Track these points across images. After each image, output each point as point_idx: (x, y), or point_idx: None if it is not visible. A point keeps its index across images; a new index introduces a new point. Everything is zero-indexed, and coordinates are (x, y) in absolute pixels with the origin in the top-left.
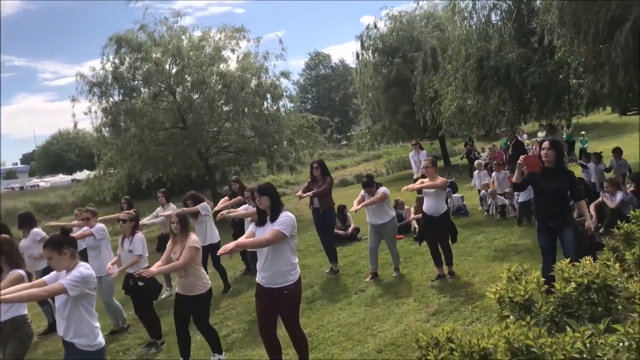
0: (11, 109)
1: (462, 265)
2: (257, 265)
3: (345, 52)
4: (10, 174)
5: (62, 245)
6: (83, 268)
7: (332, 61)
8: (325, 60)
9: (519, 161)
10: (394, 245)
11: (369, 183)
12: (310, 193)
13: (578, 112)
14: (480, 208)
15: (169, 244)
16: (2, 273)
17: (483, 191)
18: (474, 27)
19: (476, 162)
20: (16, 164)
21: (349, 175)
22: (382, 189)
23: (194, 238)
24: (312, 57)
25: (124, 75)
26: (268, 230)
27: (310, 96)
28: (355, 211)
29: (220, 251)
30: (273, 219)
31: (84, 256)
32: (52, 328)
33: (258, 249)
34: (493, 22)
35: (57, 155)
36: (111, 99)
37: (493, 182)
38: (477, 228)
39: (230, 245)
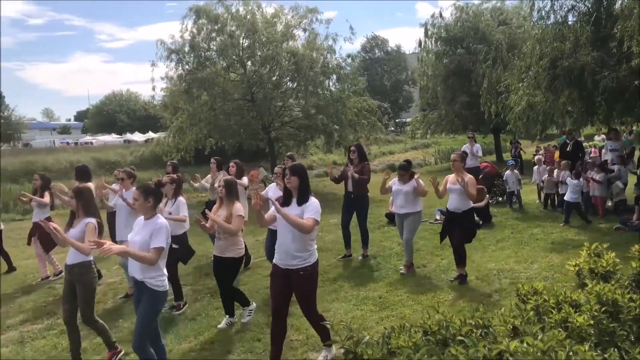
0: (67, 67)
1: (521, 253)
2: (276, 245)
3: (396, 37)
4: (65, 129)
5: (150, 194)
6: (162, 220)
7: (388, 45)
8: (381, 44)
9: None
10: (411, 239)
11: (406, 167)
12: (357, 175)
13: None
14: (537, 202)
15: (214, 208)
16: (76, 219)
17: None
18: (549, 27)
19: (536, 157)
20: (70, 120)
21: (396, 161)
22: (421, 183)
23: (238, 206)
24: (369, 39)
25: (199, 45)
26: (293, 212)
27: (361, 79)
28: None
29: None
30: (300, 201)
31: (113, 217)
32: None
33: (279, 230)
34: (570, 23)
35: (109, 115)
36: (187, 67)
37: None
38: (533, 221)
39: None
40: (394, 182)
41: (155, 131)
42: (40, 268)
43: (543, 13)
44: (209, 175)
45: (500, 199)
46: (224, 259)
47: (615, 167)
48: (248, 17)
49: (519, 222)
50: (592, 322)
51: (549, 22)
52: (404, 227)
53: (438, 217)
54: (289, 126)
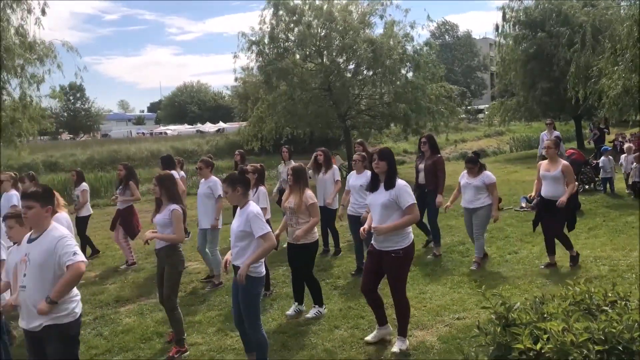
0: (140, 60)
1: (617, 241)
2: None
3: (465, 22)
4: (140, 120)
5: (237, 183)
6: (255, 207)
7: (458, 31)
8: (452, 29)
9: None
10: (481, 234)
11: (474, 160)
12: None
13: None
14: (627, 191)
15: (285, 195)
16: (161, 205)
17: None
18: None
19: (625, 145)
20: (143, 111)
21: (468, 150)
22: (492, 179)
23: (310, 194)
24: (439, 25)
25: (279, 36)
26: (382, 197)
27: (442, 66)
28: (445, 210)
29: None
30: (388, 186)
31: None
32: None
33: (373, 213)
34: None
35: (180, 106)
36: (267, 58)
37: None
38: (626, 210)
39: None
40: (462, 176)
41: (225, 121)
42: (125, 254)
43: None
44: (280, 164)
45: (587, 186)
46: (297, 245)
47: None
48: (325, 7)
49: (610, 210)
50: None
51: None
52: (474, 222)
53: (524, 205)
54: (365, 114)
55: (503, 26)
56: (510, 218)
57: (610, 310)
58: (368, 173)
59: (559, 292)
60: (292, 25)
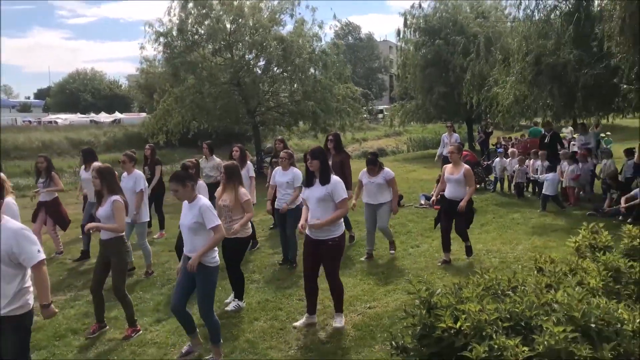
0: (24, 43)
1: (505, 235)
2: (308, 219)
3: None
4: (25, 107)
5: (185, 179)
6: (206, 200)
7: (361, 32)
8: (355, 30)
9: None
10: (386, 224)
11: (374, 161)
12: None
13: (624, 114)
14: (513, 192)
15: (218, 193)
16: (102, 198)
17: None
18: (534, 24)
19: (510, 150)
20: (29, 97)
21: (369, 148)
22: (391, 175)
23: (243, 191)
24: (343, 26)
25: (187, 28)
26: (318, 192)
27: (348, 67)
28: (353, 208)
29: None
30: (323, 181)
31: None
32: (84, 255)
33: (311, 207)
34: (552, 22)
35: (72, 93)
36: (175, 50)
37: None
38: (512, 207)
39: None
40: (362, 175)
41: (121, 111)
42: (55, 244)
43: (529, 11)
44: (201, 160)
45: (478, 186)
46: (232, 240)
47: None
48: (235, 3)
49: (499, 208)
50: (602, 284)
51: (534, 20)
52: (379, 216)
53: (423, 202)
54: (274, 111)
55: (404, 32)
56: (411, 214)
57: (512, 294)
58: (294, 170)
59: (471, 280)
60: (200, 18)
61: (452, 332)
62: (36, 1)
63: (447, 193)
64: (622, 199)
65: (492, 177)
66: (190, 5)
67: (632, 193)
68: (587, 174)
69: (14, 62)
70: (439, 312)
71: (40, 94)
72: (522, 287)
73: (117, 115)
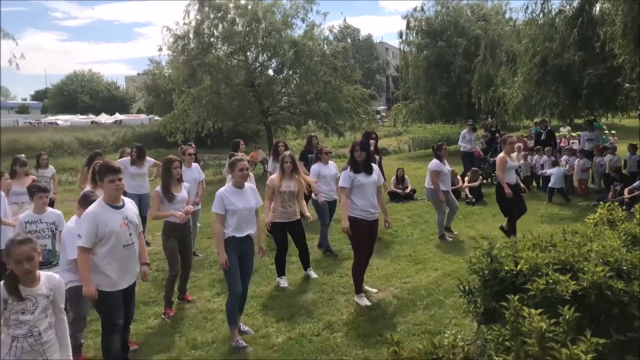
0: (20, 44)
1: (517, 224)
2: (364, 205)
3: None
4: (23, 109)
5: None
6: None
7: (360, 34)
8: (353, 33)
9: None
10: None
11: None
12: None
13: (626, 112)
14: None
15: (274, 180)
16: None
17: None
18: (539, 27)
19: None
20: (26, 99)
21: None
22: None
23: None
24: (342, 28)
25: (204, 31)
26: (373, 178)
27: (358, 71)
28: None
29: None
30: (371, 169)
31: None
32: None
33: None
34: (556, 25)
35: (70, 95)
36: (192, 52)
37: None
38: None
39: None
40: (439, 166)
41: (121, 112)
42: None
43: (534, 15)
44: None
45: (485, 181)
46: (296, 222)
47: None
48: (249, 6)
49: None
50: (623, 246)
51: (539, 23)
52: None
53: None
54: (286, 111)
55: (407, 34)
56: (425, 206)
57: (555, 248)
58: (332, 164)
59: (521, 238)
60: (216, 21)
61: (513, 272)
62: (31, 2)
63: (513, 179)
64: (626, 190)
65: None
66: (206, 9)
67: (634, 184)
68: (599, 167)
69: (7, 64)
70: (500, 259)
71: (38, 96)
72: (564, 242)
73: (118, 116)
